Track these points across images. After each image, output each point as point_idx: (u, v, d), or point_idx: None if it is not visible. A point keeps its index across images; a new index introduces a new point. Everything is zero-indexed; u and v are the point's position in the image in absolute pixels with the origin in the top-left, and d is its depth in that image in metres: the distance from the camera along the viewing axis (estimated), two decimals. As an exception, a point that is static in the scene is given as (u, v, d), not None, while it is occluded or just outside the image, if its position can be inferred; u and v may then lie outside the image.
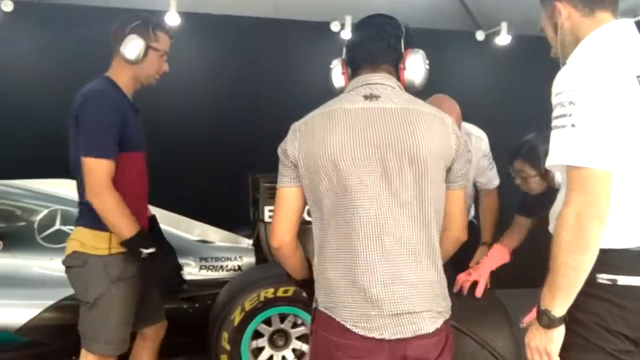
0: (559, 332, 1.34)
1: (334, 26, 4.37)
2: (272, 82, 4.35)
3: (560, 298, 1.32)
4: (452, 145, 1.42)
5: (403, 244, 1.36)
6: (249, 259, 2.95)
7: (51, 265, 2.62)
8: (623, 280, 1.33)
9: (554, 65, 4.58)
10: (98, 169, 1.80)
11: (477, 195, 2.77)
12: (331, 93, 4.82)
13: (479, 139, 2.63)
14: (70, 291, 2.01)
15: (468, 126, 2.67)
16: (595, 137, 1.24)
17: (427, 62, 1.50)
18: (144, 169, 2.05)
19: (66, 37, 3.93)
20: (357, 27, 1.57)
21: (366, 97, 1.42)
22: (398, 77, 1.48)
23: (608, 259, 1.33)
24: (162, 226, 2.95)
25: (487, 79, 4.79)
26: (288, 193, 1.47)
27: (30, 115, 3.79)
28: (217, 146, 4.19)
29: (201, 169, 4.13)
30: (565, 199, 1.29)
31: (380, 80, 1.45)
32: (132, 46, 1.91)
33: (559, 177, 2.02)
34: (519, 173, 2.22)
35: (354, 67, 1.51)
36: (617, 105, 1.25)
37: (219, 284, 2.76)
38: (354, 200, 1.36)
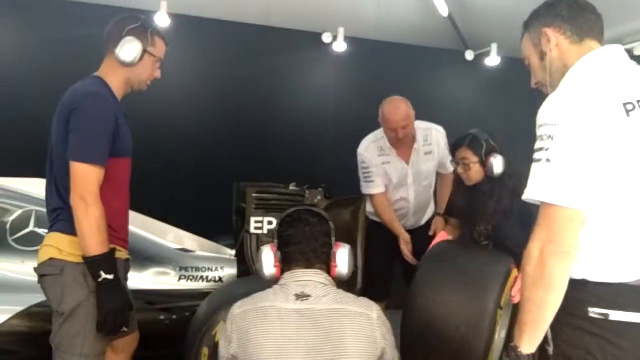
0: None
1: (326, 37, 4.34)
2: (261, 90, 4.29)
3: (527, 335, 1.29)
4: (378, 339, 1.53)
5: None
6: (231, 270, 2.85)
7: (23, 269, 2.48)
8: (615, 315, 1.28)
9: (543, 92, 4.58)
10: (88, 175, 1.72)
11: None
12: (320, 104, 4.81)
13: (438, 132, 2.97)
14: (42, 297, 1.90)
15: (428, 123, 2.99)
16: (568, 174, 1.22)
17: (352, 259, 1.66)
18: (129, 176, 1.97)
19: (54, 34, 3.80)
20: (287, 223, 1.69)
21: (297, 297, 1.55)
22: (329, 272, 1.63)
23: (600, 293, 1.30)
24: (142, 233, 2.88)
25: (475, 98, 4.81)
26: None
27: (8, 113, 3.65)
28: (202, 153, 4.10)
29: (184, 175, 4.04)
30: (532, 234, 1.28)
31: (311, 278, 1.59)
32: (129, 48, 1.85)
33: (497, 168, 2.37)
34: (462, 160, 2.46)
35: (288, 261, 1.64)
36: (599, 141, 1.22)
37: (198, 295, 2.66)
38: None
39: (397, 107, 2.77)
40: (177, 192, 3.99)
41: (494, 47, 4.59)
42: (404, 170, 2.91)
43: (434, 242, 2.48)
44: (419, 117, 4.50)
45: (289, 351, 1.48)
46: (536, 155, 1.28)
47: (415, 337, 2.14)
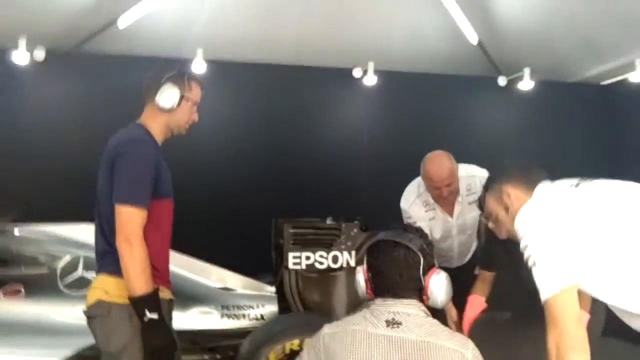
0: None
1: (356, 72, 4.41)
2: (294, 127, 4.37)
3: None
4: None
5: None
6: (272, 307, 2.87)
7: (72, 313, 2.56)
8: None
9: (577, 110, 4.56)
10: (133, 217, 1.79)
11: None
12: (353, 137, 4.82)
13: (481, 178, 2.71)
14: (91, 340, 1.95)
15: (468, 168, 2.81)
16: (553, 267, 1.45)
17: (448, 280, 1.64)
18: (171, 217, 2.03)
19: (97, 85, 4.01)
20: (377, 252, 1.65)
21: (388, 323, 1.52)
22: (421, 301, 1.60)
23: None
24: (184, 272, 2.94)
25: (510, 124, 4.75)
26: None
27: (59, 161, 3.83)
28: (240, 191, 4.16)
29: (224, 214, 4.10)
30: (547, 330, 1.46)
31: (404, 309, 1.55)
32: (168, 95, 1.95)
33: None
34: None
35: (379, 292, 1.63)
36: (564, 231, 1.48)
37: (241, 333, 2.68)
38: None
39: (440, 165, 2.62)
40: (217, 231, 4.05)
41: (526, 72, 4.56)
42: (449, 224, 2.81)
43: (470, 312, 2.37)
44: (455, 148, 4.49)
45: None
46: (528, 263, 1.51)
47: None
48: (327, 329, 1.60)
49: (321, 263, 2.76)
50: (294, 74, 4.33)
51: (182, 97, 1.97)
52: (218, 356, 2.65)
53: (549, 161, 4.80)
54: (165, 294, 1.94)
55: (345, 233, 2.80)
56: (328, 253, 2.75)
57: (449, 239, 2.84)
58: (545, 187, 1.68)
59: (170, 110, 1.97)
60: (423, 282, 1.59)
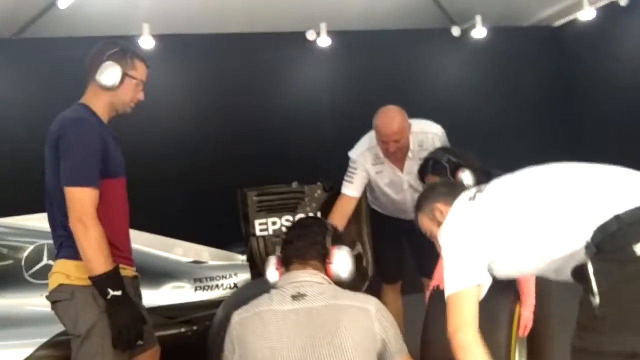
0: None
1: (310, 35, 4.37)
2: (253, 97, 4.34)
3: None
4: (377, 332, 1.57)
5: None
6: (245, 275, 2.89)
7: (42, 302, 2.54)
8: None
9: (532, 54, 4.61)
10: (84, 198, 1.77)
11: None
12: (313, 100, 4.81)
13: (434, 135, 2.77)
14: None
15: (421, 124, 2.79)
16: (456, 269, 1.61)
17: (352, 256, 1.74)
18: (125, 195, 2.01)
19: (42, 70, 3.91)
20: (289, 229, 1.86)
21: (294, 297, 1.59)
22: (325, 271, 1.68)
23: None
24: (153, 250, 2.94)
25: (467, 74, 4.80)
26: None
27: (6, 150, 3.75)
28: (205, 166, 4.16)
29: (191, 191, 4.09)
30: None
31: (307, 278, 1.64)
32: (110, 73, 1.90)
33: (467, 181, 2.35)
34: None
35: (286, 263, 1.72)
36: (469, 238, 1.63)
37: (216, 303, 2.69)
38: None
39: (390, 120, 2.61)
40: (185, 206, 4.05)
41: (478, 19, 4.58)
42: (399, 178, 2.82)
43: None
44: (415, 103, 4.50)
45: (284, 351, 1.51)
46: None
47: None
48: (236, 315, 1.65)
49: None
50: (246, 42, 4.28)
51: (124, 75, 1.93)
52: (195, 327, 2.67)
53: (507, 107, 4.91)
54: (127, 271, 1.94)
55: (309, 195, 2.82)
56: (294, 216, 2.77)
57: (400, 193, 2.86)
58: (456, 202, 1.80)
59: (112, 89, 1.92)
60: (328, 249, 1.69)
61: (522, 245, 1.58)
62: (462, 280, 1.60)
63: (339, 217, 2.72)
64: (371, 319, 1.56)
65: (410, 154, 2.74)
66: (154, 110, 3.72)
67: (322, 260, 1.69)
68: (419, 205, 1.97)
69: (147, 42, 3.89)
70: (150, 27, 3.93)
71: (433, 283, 2.45)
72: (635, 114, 4.17)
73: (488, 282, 1.64)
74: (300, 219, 1.91)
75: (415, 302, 2.91)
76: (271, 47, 4.36)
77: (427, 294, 2.48)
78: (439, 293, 2.38)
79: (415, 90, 4.53)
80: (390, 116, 2.62)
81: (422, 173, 2.47)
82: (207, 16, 4.10)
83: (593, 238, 1.40)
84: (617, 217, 1.39)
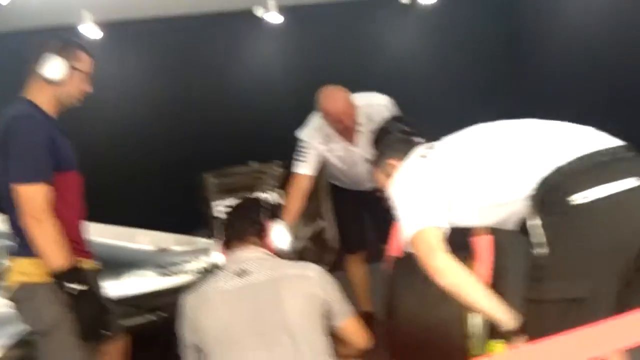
0: None
1: (258, 11, 4.32)
2: (206, 79, 4.29)
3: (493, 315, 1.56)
4: (319, 295, 1.65)
5: None
6: (210, 258, 2.91)
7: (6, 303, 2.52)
8: (594, 193, 1.39)
9: (482, 19, 4.61)
10: (35, 194, 1.75)
11: None
12: (267, 81, 4.75)
13: (380, 106, 2.79)
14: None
15: (367, 97, 2.82)
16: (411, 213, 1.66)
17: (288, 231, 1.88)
18: (79, 187, 1.99)
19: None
20: (228, 213, 1.94)
21: (238, 275, 1.66)
22: (265, 246, 1.78)
23: (570, 178, 1.43)
24: (115, 242, 2.92)
25: (417, 40, 4.83)
26: None
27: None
28: (163, 153, 4.11)
29: (152, 179, 4.05)
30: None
31: (249, 255, 1.72)
32: (54, 66, 1.87)
33: None
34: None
35: (230, 245, 1.79)
36: (422, 189, 1.69)
37: (183, 288, 2.71)
38: None
39: (335, 99, 2.65)
40: (148, 195, 4.02)
41: (425, -15, 4.60)
42: (351, 153, 2.86)
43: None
44: (367, 72, 4.51)
45: (235, 327, 1.59)
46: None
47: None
48: (187, 298, 1.71)
49: (248, 206, 2.80)
50: (192, 23, 4.21)
51: (69, 68, 1.90)
52: (164, 314, 2.69)
53: (459, 72, 4.95)
54: (87, 264, 1.94)
55: (267, 174, 2.84)
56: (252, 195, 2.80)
57: (354, 167, 2.90)
58: (410, 157, 1.87)
59: (57, 82, 1.89)
60: (263, 224, 1.79)
61: (470, 197, 1.64)
62: (419, 221, 1.63)
63: (296, 196, 2.76)
64: (312, 284, 1.65)
65: (360, 128, 2.78)
66: (104, 100, 3.65)
67: (260, 236, 1.78)
68: (375, 161, 2.07)
69: (89, 31, 3.78)
70: (92, 15, 3.82)
71: (390, 253, 2.53)
72: (585, 70, 4.28)
73: (445, 226, 1.66)
74: (238, 202, 1.96)
75: (380, 270, 3.00)
76: (219, 27, 4.30)
77: (386, 262, 2.57)
78: (400, 261, 2.47)
79: (369, 61, 4.55)
80: (334, 96, 2.65)
81: (376, 143, 2.51)
82: (148, 0, 4.01)
83: (536, 191, 1.46)
84: (558, 170, 1.45)
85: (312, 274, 1.68)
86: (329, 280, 1.71)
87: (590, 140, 1.52)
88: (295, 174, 2.83)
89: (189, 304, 1.69)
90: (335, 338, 1.74)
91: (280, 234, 1.81)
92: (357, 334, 1.79)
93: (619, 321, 0.92)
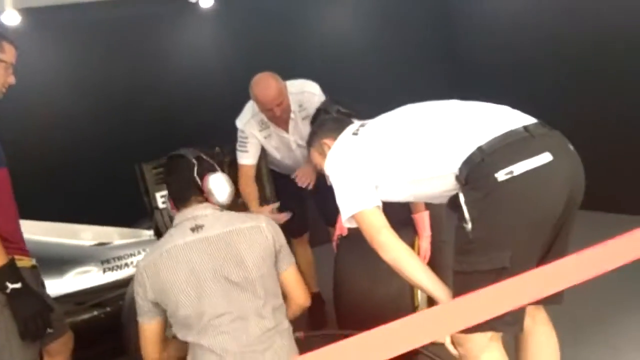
0: None
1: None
2: (141, 67, 4.16)
3: (432, 293, 1.66)
4: (271, 242, 1.77)
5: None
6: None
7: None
8: (519, 168, 1.49)
9: (412, 9, 4.55)
10: None
11: None
12: (204, 66, 4.65)
13: (311, 94, 2.81)
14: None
15: (298, 85, 2.83)
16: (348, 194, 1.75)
17: (225, 180, 1.84)
18: (9, 186, 1.92)
19: None
20: (165, 174, 2.04)
21: (193, 230, 1.73)
22: (209, 201, 1.81)
23: (494, 157, 1.52)
24: (53, 239, 2.84)
25: (349, 20, 4.86)
26: (151, 328, 1.77)
27: None
28: (103, 147, 3.96)
29: (93, 174, 3.90)
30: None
31: (199, 212, 1.77)
32: None
33: None
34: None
35: (177, 205, 1.84)
36: (355, 167, 1.77)
37: (126, 282, 2.69)
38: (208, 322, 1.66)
39: (267, 87, 2.63)
40: (89, 190, 3.86)
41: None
42: (286, 139, 2.89)
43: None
44: (302, 54, 4.50)
45: (199, 279, 1.67)
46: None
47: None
48: (142, 261, 1.75)
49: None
50: (121, 9, 4.05)
51: None
52: (108, 309, 2.66)
53: (393, 52, 5.00)
54: (24, 262, 1.88)
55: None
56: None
57: (290, 152, 2.95)
58: (341, 136, 1.94)
59: None
60: (200, 184, 1.80)
61: (400, 171, 1.72)
62: (359, 202, 1.72)
63: (248, 183, 2.84)
64: (264, 233, 1.76)
65: (292, 115, 2.80)
66: (30, 91, 3.49)
67: (201, 193, 1.81)
68: (309, 141, 2.14)
69: (12, 18, 3.58)
70: (13, 1, 3.61)
71: (337, 233, 2.60)
72: (517, 50, 4.47)
73: (379, 203, 1.76)
74: (168, 162, 1.95)
75: (324, 253, 3.07)
76: (150, 13, 4.17)
77: (334, 242, 2.64)
78: (344, 241, 2.54)
79: (304, 45, 4.56)
80: (266, 84, 2.63)
81: (312, 123, 2.52)
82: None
83: (461, 170, 1.55)
84: (479, 149, 1.54)
85: (264, 224, 1.79)
86: (277, 229, 1.83)
87: (507, 119, 1.62)
88: (241, 165, 2.87)
89: (147, 264, 1.73)
90: None
91: (217, 187, 1.81)
92: (298, 286, 1.88)
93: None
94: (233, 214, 1.82)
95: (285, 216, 2.71)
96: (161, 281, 1.68)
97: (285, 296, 1.86)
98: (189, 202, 1.81)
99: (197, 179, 1.80)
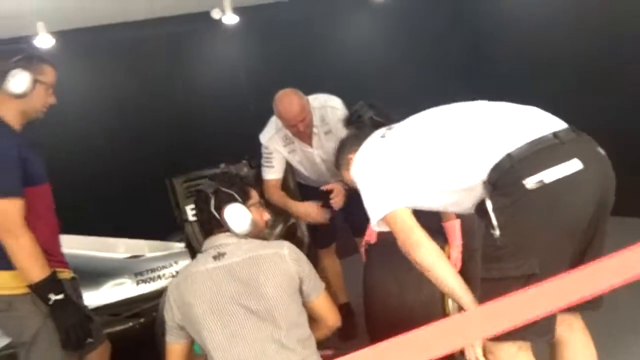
0: None
1: (216, 14, 4.32)
2: (170, 83, 4.28)
3: (460, 299, 1.65)
4: (293, 271, 1.76)
5: None
6: (186, 262, 2.94)
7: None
8: (549, 176, 1.48)
9: (433, 6, 4.64)
10: (8, 209, 1.77)
11: None
12: (231, 83, 4.74)
13: (333, 109, 2.83)
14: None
15: (320, 99, 2.86)
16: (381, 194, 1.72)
17: (241, 210, 1.85)
18: (51, 201, 2.01)
19: None
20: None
21: (215, 258, 1.77)
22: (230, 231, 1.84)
23: (525, 163, 1.51)
24: (90, 252, 2.92)
25: (372, 33, 4.90)
26: (175, 349, 1.82)
27: None
28: (135, 161, 4.06)
29: (125, 189, 4.01)
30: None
31: (223, 241, 1.82)
32: (18, 80, 1.89)
33: None
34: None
35: (205, 236, 1.91)
36: (383, 170, 1.75)
37: (160, 294, 2.75)
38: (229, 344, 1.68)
39: (290, 103, 2.66)
40: (122, 205, 3.96)
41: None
42: (310, 154, 2.93)
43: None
44: (330, 73, 4.53)
45: (220, 304, 1.70)
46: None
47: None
48: (173, 282, 1.83)
49: (219, 207, 2.82)
50: (149, 28, 4.17)
51: (34, 81, 1.93)
52: (142, 320, 2.72)
53: (416, 62, 4.96)
54: (64, 274, 1.96)
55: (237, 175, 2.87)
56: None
57: (315, 166, 2.98)
58: (368, 140, 1.92)
59: (23, 96, 1.92)
60: (218, 217, 1.84)
61: (428, 180, 1.71)
62: (389, 203, 1.70)
63: (276, 193, 2.88)
64: (286, 261, 1.76)
65: (315, 130, 2.84)
66: (68, 111, 3.60)
67: (221, 225, 1.85)
68: (337, 163, 2.16)
69: (45, 41, 3.72)
70: (47, 25, 3.75)
71: (365, 239, 2.62)
72: (537, 51, 4.45)
73: (409, 204, 1.73)
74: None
75: (353, 264, 3.08)
76: (177, 31, 4.29)
77: (362, 248, 2.64)
78: (372, 247, 2.55)
79: (329, 59, 4.62)
80: (289, 100, 2.67)
81: (347, 124, 2.44)
82: (105, 5, 3.96)
83: (489, 176, 1.56)
84: (508, 155, 1.53)
85: (286, 251, 1.78)
86: (301, 256, 1.82)
87: (536, 124, 1.61)
88: (266, 180, 2.91)
89: (175, 285, 1.79)
90: (309, 319, 1.83)
91: (235, 218, 1.83)
92: (328, 311, 1.89)
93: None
94: (255, 241, 1.84)
95: (329, 212, 2.74)
96: (184, 305, 1.74)
97: (315, 318, 1.86)
98: (213, 233, 1.87)
99: (215, 212, 1.84)
